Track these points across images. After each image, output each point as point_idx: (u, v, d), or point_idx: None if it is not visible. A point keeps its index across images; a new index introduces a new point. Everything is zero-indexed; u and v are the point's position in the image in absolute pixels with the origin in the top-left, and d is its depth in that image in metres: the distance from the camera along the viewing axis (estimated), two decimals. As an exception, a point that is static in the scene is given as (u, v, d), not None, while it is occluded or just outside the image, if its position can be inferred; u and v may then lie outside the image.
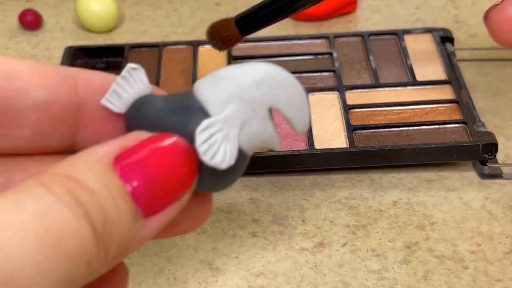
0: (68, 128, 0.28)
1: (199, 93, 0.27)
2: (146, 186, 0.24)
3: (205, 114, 0.27)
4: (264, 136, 0.28)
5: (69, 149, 0.29)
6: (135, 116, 0.28)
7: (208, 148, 0.26)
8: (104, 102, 0.28)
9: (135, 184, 0.24)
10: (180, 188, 0.25)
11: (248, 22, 0.42)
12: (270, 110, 0.28)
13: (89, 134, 0.28)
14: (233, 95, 0.27)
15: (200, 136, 0.26)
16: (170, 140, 0.26)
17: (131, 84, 0.28)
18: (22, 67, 0.27)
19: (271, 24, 0.42)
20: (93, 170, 0.24)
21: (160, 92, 0.29)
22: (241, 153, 0.27)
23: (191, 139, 0.26)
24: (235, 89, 0.27)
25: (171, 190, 0.25)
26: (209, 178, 0.27)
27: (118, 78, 0.28)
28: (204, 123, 0.26)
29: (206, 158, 0.26)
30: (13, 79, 0.26)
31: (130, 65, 0.28)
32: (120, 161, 0.24)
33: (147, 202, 0.24)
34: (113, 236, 0.23)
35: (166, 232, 0.29)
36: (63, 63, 0.53)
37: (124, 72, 0.28)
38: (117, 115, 0.28)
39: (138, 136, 0.26)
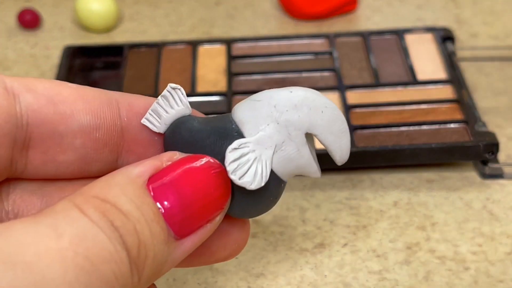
0: (111, 152, 0.28)
1: (235, 115, 0.27)
2: (179, 207, 0.24)
3: (239, 135, 0.27)
4: (300, 162, 0.27)
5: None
6: (173, 136, 0.27)
7: (237, 167, 0.26)
8: (144, 121, 0.28)
9: (168, 205, 0.24)
10: (213, 209, 0.25)
11: None
12: (308, 136, 0.27)
13: (131, 158, 0.28)
14: (269, 117, 0.26)
15: (229, 155, 0.26)
16: (203, 161, 0.26)
17: (171, 104, 0.28)
18: (66, 91, 0.26)
19: None
20: (127, 192, 0.24)
21: (199, 114, 0.29)
22: (275, 178, 0.27)
23: (224, 160, 0.26)
24: (271, 112, 0.26)
25: (204, 211, 0.25)
26: (243, 202, 0.27)
27: (159, 98, 0.27)
28: (236, 142, 0.26)
29: (234, 177, 0.26)
30: (58, 103, 0.26)
31: (171, 85, 0.28)
32: (154, 181, 0.24)
33: (180, 224, 0.24)
34: (147, 259, 0.23)
35: (203, 260, 0.29)
36: (62, 62, 0.53)
37: (165, 92, 0.27)
38: (160, 138, 0.28)
39: (172, 156, 0.26)
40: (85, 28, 0.59)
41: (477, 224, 0.42)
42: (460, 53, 0.53)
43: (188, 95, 0.52)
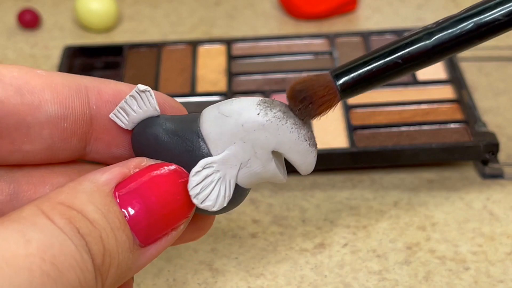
0: (79, 141, 0.28)
1: (203, 127, 0.27)
2: (144, 215, 0.24)
3: (205, 151, 0.27)
4: (265, 176, 0.27)
5: (79, 159, 0.29)
6: (140, 138, 0.27)
7: (200, 191, 0.26)
8: (112, 116, 0.28)
9: (134, 212, 0.24)
10: (178, 218, 0.26)
11: (356, 78, 0.28)
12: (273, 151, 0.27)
13: (100, 146, 0.28)
14: (235, 135, 0.26)
15: (192, 179, 0.26)
16: (170, 169, 0.26)
17: (139, 105, 0.28)
18: (34, 80, 0.26)
19: (388, 80, 0.28)
20: (93, 200, 0.24)
21: (173, 106, 0.29)
22: (239, 189, 0.27)
23: (190, 169, 0.26)
24: (238, 130, 0.26)
25: (169, 219, 0.25)
26: None
27: (127, 97, 0.27)
28: (200, 163, 0.26)
29: (196, 201, 0.26)
30: (25, 94, 0.26)
31: (139, 87, 0.28)
32: (121, 189, 0.25)
33: (145, 231, 0.25)
34: (111, 267, 0.23)
35: None
36: (62, 62, 0.53)
37: (133, 92, 0.27)
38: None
39: (140, 163, 0.26)
40: (85, 28, 0.59)
41: (477, 224, 0.42)
42: (461, 53, 0.53)
43: (188, 95, 0.52)
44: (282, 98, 0.49)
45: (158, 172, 0.25)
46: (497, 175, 0.45)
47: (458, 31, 0.27)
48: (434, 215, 0.42)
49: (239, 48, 0.54)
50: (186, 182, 0.26)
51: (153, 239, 0.25)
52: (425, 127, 0.46)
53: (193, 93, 0.49)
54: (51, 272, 0.21)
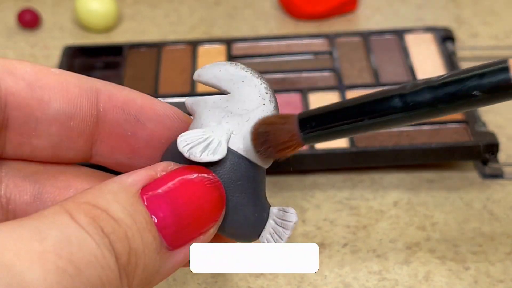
0: (86, 141, 0.28)
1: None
2: (172, 218, 0.24)
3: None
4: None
5: (85, 161, 0.29)
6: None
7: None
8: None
9: (161, 215, 0.24)
10: (206, 222, 0.25)
11: (320, 126, 0.27)
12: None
13: (104, 149, 0.28)
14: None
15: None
16: (199, 172, 0.26)
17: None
18: (47, 78, 0.27)
19: (353, 134, 0.28)
20: (119, 199, 0.23)
21: (170, 116, 0.29)
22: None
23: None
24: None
25: (197, 223, 0.25)
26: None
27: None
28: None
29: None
30: (36, 89, 0.26)
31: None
32: (148, 191, 0.24)
33: (173, 235, 0.24)
34: (138, 267, 0.23)
35: None
36: (62, 62, 0.53)
37: None
38: (132, 134, 0.28)
39: (167, 166, 0.26)
40: (85, 28, 0.59)
41: (477, 224, 0.42)
42: (460, 53, 0.53)
43: (188, 95, 0.52)
44: (282, 98, 0.49)
45: (185, 175, 0.25)
46: (497, 175, 0.45)
47: (430, 98, 0.25)
48: (434, 215, 0.42)
49: (239, 48, 0.54)
50: (215, 185, 0.26)
51: (181, 242, 0.24)
52: (425, 127, 0.46)
53: (193, 93, 0.49)
54: (68, 269, 0.21)
